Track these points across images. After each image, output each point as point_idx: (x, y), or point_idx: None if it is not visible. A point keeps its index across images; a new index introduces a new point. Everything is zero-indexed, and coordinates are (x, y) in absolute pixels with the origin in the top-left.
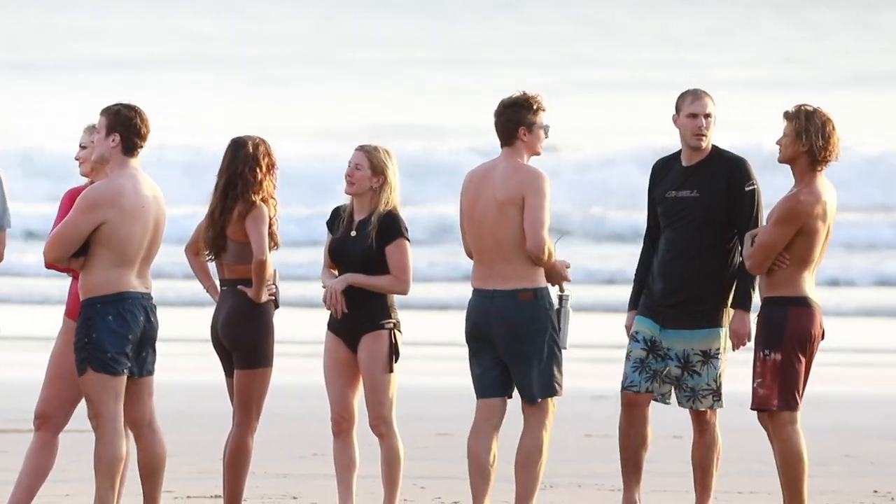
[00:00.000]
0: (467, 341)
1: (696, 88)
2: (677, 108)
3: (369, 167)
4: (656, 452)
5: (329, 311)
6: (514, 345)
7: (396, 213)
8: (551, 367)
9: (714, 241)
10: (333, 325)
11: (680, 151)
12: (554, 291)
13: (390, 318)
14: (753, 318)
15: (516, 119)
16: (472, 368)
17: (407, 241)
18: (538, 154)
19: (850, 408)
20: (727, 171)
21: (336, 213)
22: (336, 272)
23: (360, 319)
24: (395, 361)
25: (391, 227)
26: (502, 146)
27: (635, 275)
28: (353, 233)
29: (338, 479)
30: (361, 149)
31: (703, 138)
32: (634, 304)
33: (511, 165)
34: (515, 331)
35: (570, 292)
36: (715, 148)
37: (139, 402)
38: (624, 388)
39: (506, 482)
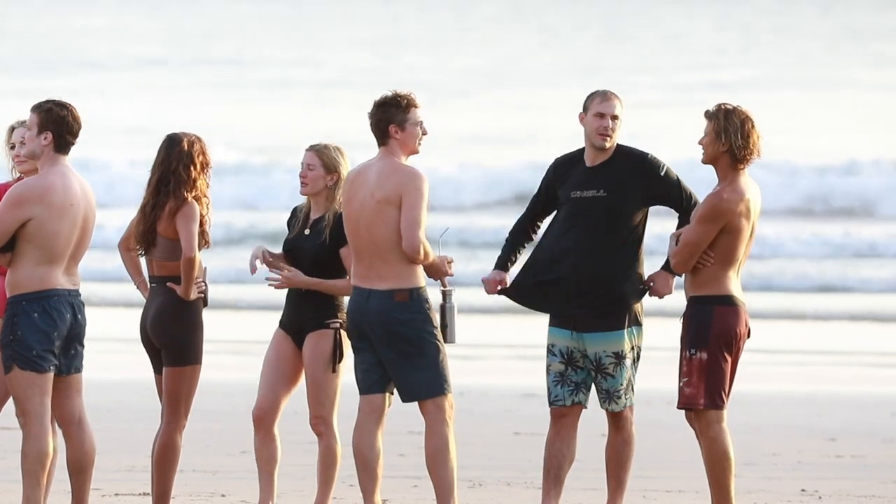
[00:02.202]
0: (349, 339)
1: (605, 90)
2: (585, 108)
3: (322, 166)
4: (585, 450)
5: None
6: (390, 345)
7: None
8: (433, 368)
9: (622, 240)
10: (284, 322)
11: (583, 150)
12: (437, 288)
13: (337, 317)
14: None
15: (387, 118)
16: (355, 365)
17: None
18: (416, 152)
19: (778, 407)
20: (634, 168)
21: (294, 212)
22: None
23: (307, 317)
24: (340, 361)
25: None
26: (378, 146)
27: (509, 239)
28: (307, 231)
29: (259, 473)
30: (312, 148)
31: (608, 139)
32: (503, 264)
33: (388, 164)
34: (391, 331)
35: (452, 288)
36: (619, 146)
37: (68, 400)
38: (551, 403)
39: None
